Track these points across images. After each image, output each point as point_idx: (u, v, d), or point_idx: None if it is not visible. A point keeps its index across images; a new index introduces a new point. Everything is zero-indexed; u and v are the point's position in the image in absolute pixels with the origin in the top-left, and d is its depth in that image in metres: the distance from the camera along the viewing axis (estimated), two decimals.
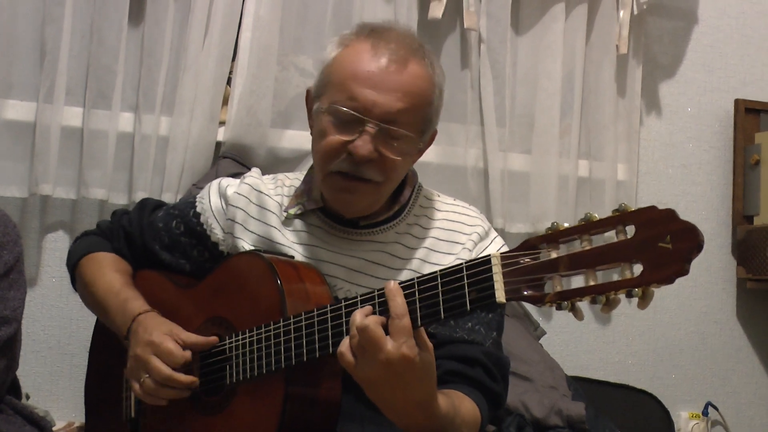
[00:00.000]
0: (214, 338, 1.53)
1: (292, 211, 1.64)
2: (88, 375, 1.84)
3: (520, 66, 2.72)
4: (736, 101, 2.98)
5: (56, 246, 2.32)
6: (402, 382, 1.26)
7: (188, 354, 1.51)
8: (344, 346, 1.29)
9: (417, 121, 1.54)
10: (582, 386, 2.51)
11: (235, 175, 1.94)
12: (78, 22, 2.27)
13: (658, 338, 2.89)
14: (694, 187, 2.97)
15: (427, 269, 1.53)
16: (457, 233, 1.61)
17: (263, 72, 2.40)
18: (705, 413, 2.89)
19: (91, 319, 2.23)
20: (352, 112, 1.49)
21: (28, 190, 2.24)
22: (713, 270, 2.95)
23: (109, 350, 1.72)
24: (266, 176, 1.74)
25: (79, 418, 2.19)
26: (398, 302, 1.26)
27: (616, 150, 2.78)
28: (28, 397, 2.12)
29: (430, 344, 1.29)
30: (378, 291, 1.33)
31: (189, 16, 2.34)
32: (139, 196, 2.28)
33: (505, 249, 1.58)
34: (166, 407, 1.55)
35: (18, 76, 2.26)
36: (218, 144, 2.41)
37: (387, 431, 1.48)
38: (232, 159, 2.37)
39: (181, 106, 2.33)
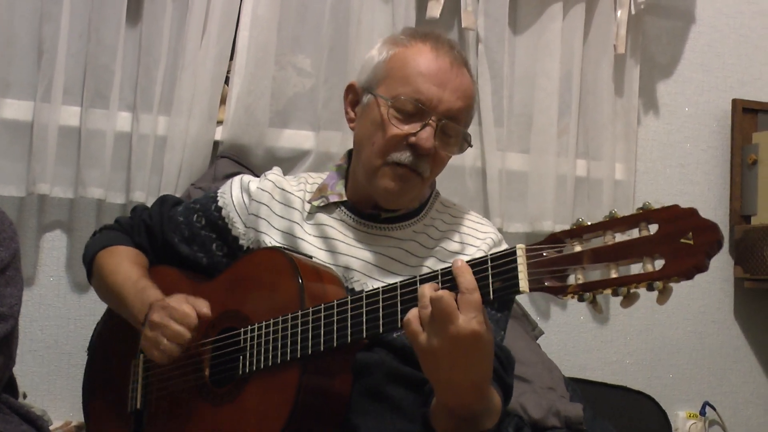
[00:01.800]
0: (209, 312, 1.55)
1: (315, 203, 1.67)
2: (89, 371, 1.84)
3: (518, 65, 2.72)
4: (734, 101, 2.98)
5: (54, 245, 2.31)
6: (465, 359, 1.28)
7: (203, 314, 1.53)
8: (412, 314, 1.29)
9: (468, 122, 1.64)
10: (580, 387, 2.51)
11: (228, 176, 1.97)
12: (75, 20, 2.27)
13: (655, 338, 2.89)
14: (691, 186, 2.97)
15: (441, 268, 1.55)
16: (471, 237, 1.66)
17: (261, 71, 2.40)
18: (702, 413, 2.90)
19: (88, 318, 2.24)
20: (420, 105, 1.55)
21: (25, 189, 2.24)
22: (711, 270, 2.86)
23: (114, 345, 1.73)
24: (288, 176, 1.78)
25: (77, 418, 2.18)
26: (468, 278, 1.27)
27: (613, 149, 2.78)
28: (25, 396, 2.12)
29: (491, 325, 1.31)
30: (402, 282, 1.36)
31: (187, 15, 2.34)
32: (137, 195, 2.28)
33: None
34: (174, 398, 1.56)
35: (15, 75, 2.26)
36: (216, 143, 2.41)
37: (388, 424, 1.51)
38: (230, 158, 2.37)
39: (178, 106, 2.33)
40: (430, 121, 1.56)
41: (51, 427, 2.01)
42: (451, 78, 1.58)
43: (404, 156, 1.57)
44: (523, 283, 1.24)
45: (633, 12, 2.76)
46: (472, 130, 2.59)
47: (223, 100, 2.41)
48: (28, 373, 2.24)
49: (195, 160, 2.35)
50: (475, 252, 1.63)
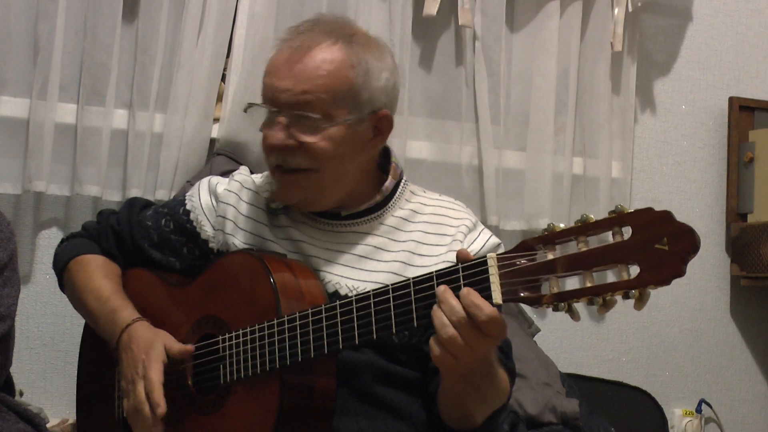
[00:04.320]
0: (190, 347, 1.53)
1: (273, 206, 1.63)
2: (79, 373, 1.83)
3: (515, 63, 2.72)
4: (731, 99, 2.98)
5: (50, 243, 2.31)
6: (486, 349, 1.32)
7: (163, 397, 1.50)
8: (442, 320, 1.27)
9: (330, 103, 1.52)
10: (576, 383, 2.52)
11: (224, 174, 1.94)
12: (72, 18, 2.27)
13: (652, 335, 2.90)
14: (688, 184, 2.97)
15: (417, 261, 1.55)
16: (444, 226, 1.60)
17: (258, 69, 2.38)
18: (699, 410, 2.90)
19: None
20: (261, 104, 1.54)
21: (21, 186, 2.24)
22: (707, 267, 2.95)
23: (100, 349, 1.70)
24: (255, 174, 1.73)
25: (73, 416, 2.17)
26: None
27: (610, 147, 2.78)
28: (21, 394, 2.12)
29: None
30: (374, 291, 1.35)
31: (183, 12, 2.34)
32: (133, 193, 2.28)
33: (494, 240, 1.61)
34: None
35: (11, 73, 2.26)
36: (212, 141, 2.40)
37: (380, 425, 1.50)
38: (227, 156, 2.37)
39: (175, 103, 2.33)
40: (277, 117, 1.52)
41: (48, 425, 2.01)
42: (289, 66, 1.52)
43: (272, 158, 1.55)
44: (497, 295, 1.22)
45: (630, 10, 2.76)
46: (468, 127, 2.65)
47: (219, 98, 2.41)
48: (24, 371, 2.24)
49: (191, 157, 2.35)
50: (450, 242, 1.57)
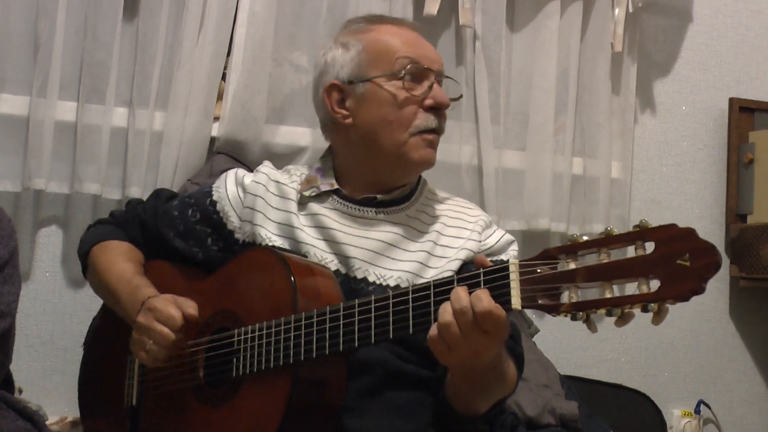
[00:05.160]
0: (196, 313, 1.56)
1: (306, 193, 1.67)
2: (85, 366, 1.84)
3: (515, 63, 2.72)
4: (731, 100, 2.98)
5: (49, 241, 2.31)
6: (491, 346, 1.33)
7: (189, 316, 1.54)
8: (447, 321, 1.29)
9: None
10: (575, 385, 2.52)
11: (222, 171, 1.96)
12: (72, 16, 2.27)
13: (651, 336, 2.90)
14: (688, 185, 2.97)
15: (439, 252, 1.61)
16: (462, 221, 1.68)
17: (258, 68, 2.39)
18: (697, 411, 2.90)
19: (84, 313, 2.24)
20: (423, 66, 1.63)
21: (21, 184, 2.24)
22: None
23: (110, 341, 1.73)
24: (278, 170, 1.77)
25: (72, 413, 2.19)
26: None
27: (610, 148, 2.78)
28: (21, 392, 2.12)
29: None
30: (394, 293, 1.36)
31: (183, 11, 2.34)
32: (133, 191, 2.28)
33: (508, 237, 1.68)
34: (170, 397, 1.56)
35: (11, 71, 2.25)
36: (212, 140, 2.40)
37: (387, 424, 1.51)
38: (227, 155, 2.37)
39: (175, 102, 2.33)
40: (434, 79, 1.63)
41: (47, 423, 2.01)
42: (424, 43, 1.69)
43: (430, 120, 1.63)
44: (516, 300, 1.23)
45: (630, 10, 2.76)
46: (468, 127, 2.65)
47: (219, 97, 2.41)
48: (23, 369, 2.24)
49: (191, 156, 2.35)
50: (469, 234, 1.64)
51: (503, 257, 1.65)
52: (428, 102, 1.62)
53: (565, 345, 2.78)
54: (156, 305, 1.54)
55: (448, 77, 1.70)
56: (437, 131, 1.65)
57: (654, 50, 2.93)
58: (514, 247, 1.69)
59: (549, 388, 2.35)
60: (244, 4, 2.40)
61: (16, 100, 2.25)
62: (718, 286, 2.98)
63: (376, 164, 1.66)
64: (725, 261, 2.97)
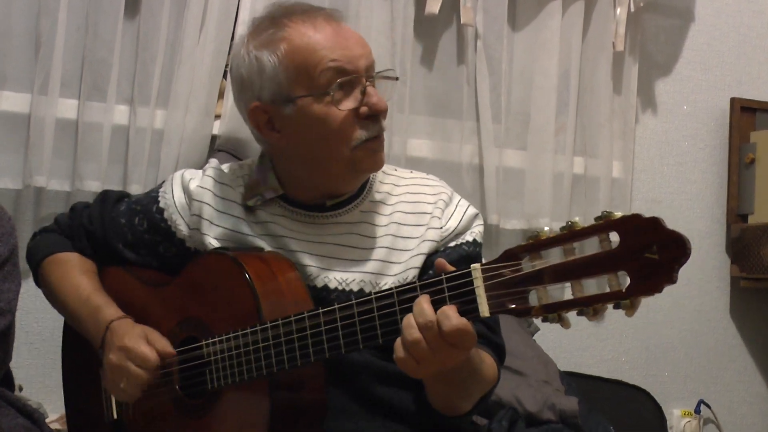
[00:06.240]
0: (171, 350, 1.50)
1: (250, 203, 1.57)
2: (65, 378, 1.80)
3: (516, 62, 2.72)
4: (732, 100, 2.98)
5: None
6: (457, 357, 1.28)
7: (161, 357, 1.48)
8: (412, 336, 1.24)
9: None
10: (575, 381, 2.52)
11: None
12: (73, 14, 2.27)
13: (651, 336, 2.90)
14: (689, 185, 2.97)
15: (401, 245, 1.52)
16: (421, 204, 1.56)
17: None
18: (697, 411, 2.90)
19: None
20: (350, 76, 1.46)
21: (22, 181, 2.24)
22: (707, 268, 2.95)
23: (83, 350, 1.66)
24: (224, 165, 1.66)
25: None
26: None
27: (611, 147, 2.78)
28: (21, 389, 2.12)
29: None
30: (357, 301, 1.32)
31: (185, 9, 2.34)
32: (134, 188, 2.27)
33: (471, 211, 1.57)
34: (150, 411, 1.53)
35: (13, 68, 2.26)
36: (213, 137, 2.40)
37: (378, 425, 1.48)
38: (227, 153, 2.37)
39: (176, 100, 2.33)
40: (365, 83, 1.47)
41: (46, 420, 2.01)
42: (343, 35, 1.49)
43: (370, 129, 1.48)
44: (483, 308, 1.19)
45: (632, 10, 2.76)
46: (468, 126, 2.65)
47: (220, 95, 2.41)
48: (23, 366, 2.24)
49: (192, 154, 2.35)
50: (429, 220, 1.53)
51: (468, 237, 1.55)
52: (363, 110, 1.47)
53: (564, 345, 2.78)
54: (127, 344, 1.48)
55: (379, 73, 1.52)
56: (379, 136, 1.50)
57: (655, 50, 2.93)
58: (479, 221, 1.58)
59: (549, 384, 2.35)
60: (245, 2, 2.40)
61: (17, 98, 2.25)
62: (719, 286, 2.97)
63: (319, 177, 1.54)
64: (726, 261, 2.97)
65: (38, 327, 2.31)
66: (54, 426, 2.17)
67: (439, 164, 2.60)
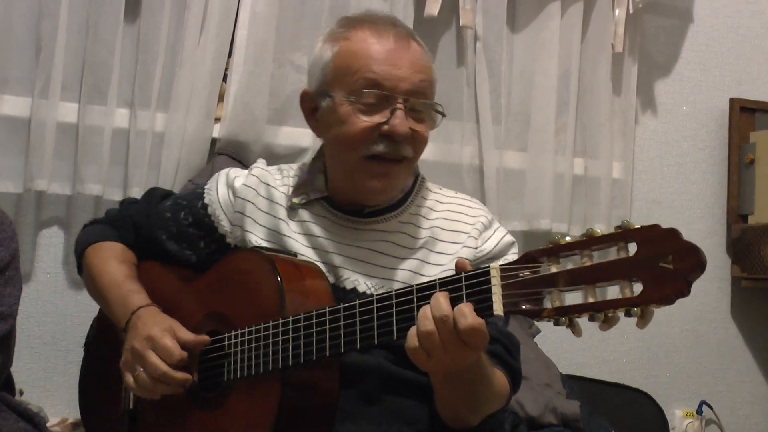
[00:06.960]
0: (206, 338, 1.53)
1: (296, 200, 1.62)
2: (85, 367, 1.83)
3: (516, 64, 2.72)
4: (731, 100, 2.98)
5: (51, 242, 2.31)
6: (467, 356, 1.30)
7: (185, 354, 1.50)
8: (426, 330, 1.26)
9: (433, 92, 1.59)
10: (577, 385, 2.52)
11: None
12: (74, 17, 2.27)
13: (652, 336, 2.90)
14: (689, 185, 2.98)
15: (433, 259, 1.56)
16: (460, 223, 1.60)
17: (259, 68, 2.40)
18: (699, 412, 2.90)
19: (85, 314, 2.23)
20: (383, 91, 1.50)
21: (23, 185, 2.24)
22: (708, 268, 2.90)
23: (109, 342, 1.71)
24: (271, 167, 1.73)
25: (73, 414, 2.18)
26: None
27: (611, 148, 2.78)
28: (21, 393, 2.12)
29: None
30: (378, 296, 1.34)
31: (185, 12, 2.34)
32: (135, 192, 2.28)
33: (508, 239, 1.61)
34: (164, 401, 1.55)
35: (13, 71, 2.26)
36: (214, 140, 2.40)
37: (384, 429, 1.49)
38: (228, 155, 2.37)
39: (176, 102, 2.33)
40: (398, 104, 1.50)
41: (48, 424, 2.01)
42: (401, 55, 1.52)
43: (380, 147, 1.51)
44: (497, 306, 1.21)
45: (631, 11, 2.76)
46: (469, 127, 2.65)
47: (221, 97, 2.41)
48: (24, 370, 2.24)
49: (193, 156, 2.35)
50: (466, 240, 1.57)
51: (501, 263, 1.61)
52: (384, 129, 1.50)
53: (566, 345, 2.78)
54: (154, 334, 1.50)
55: (425, 102, 1.54)
56: (392, 157, 1.52)
57: (655, 51, 2.93)
58: (514, 249, 1.61)
59: (550, 387, 2.35)
60: (246, 5, 2.40)
61: (18, 102, 2.25)
62: (720, 286, 2.98)
63: (343, 180, 1.59)
64: (727, 261, 2.97)
65: (39, 331, 2.30)
66: (55, 430, 2.17)
67: (440, 166, 2.61)
